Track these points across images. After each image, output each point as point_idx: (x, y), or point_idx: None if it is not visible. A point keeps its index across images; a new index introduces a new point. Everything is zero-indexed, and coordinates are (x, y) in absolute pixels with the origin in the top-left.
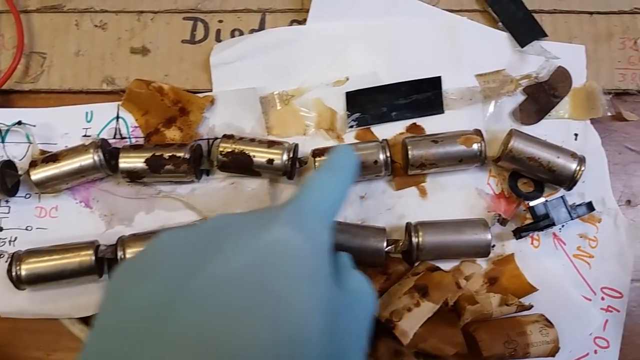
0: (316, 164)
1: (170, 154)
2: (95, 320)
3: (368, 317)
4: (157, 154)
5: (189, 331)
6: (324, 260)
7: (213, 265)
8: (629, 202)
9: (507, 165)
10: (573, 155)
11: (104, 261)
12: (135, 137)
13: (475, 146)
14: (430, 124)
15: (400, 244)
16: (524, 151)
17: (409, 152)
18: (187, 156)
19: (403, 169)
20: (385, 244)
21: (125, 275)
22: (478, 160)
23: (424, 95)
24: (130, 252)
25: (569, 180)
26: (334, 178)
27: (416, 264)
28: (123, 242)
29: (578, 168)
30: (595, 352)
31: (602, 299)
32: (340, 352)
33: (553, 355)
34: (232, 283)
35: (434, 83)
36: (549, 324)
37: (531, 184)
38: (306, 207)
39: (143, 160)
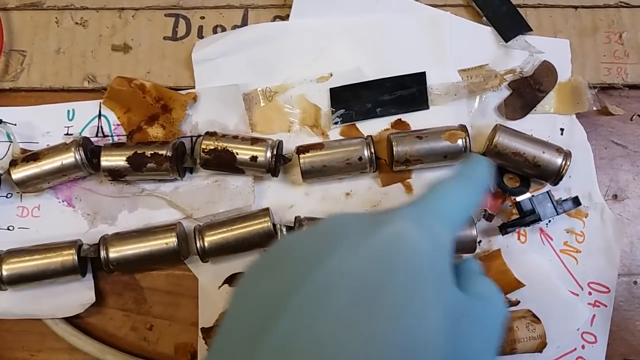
0: (301, 160)
1: (152, 152)
2: (227, 311)
3: (499, 324)
4: (139, 152)
5: (305, 323)
6: (445, 261)
7: (331, 259)
8: (615, 196)
9: (493, 161)
10: (559, 150)
11: (87, 260)
12: (118, 135)
13: (460, 142)
14: (415, 120)
15: None
16: (509, 146)
17: (394, 148)
18: (169, 154)
19: (388, 165)
20: None
21: (251, 272)
22: (463, 156)
23: (409, 91)
24: (113, 250)
25: (554, 175)
26: (463, 187)
27: None
28: (106, 241)
29: (564, 163)
30: (583, 347)
31: (590, 293)
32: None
33: (540, 351)
34: (350, 277)
35: (419, 79)
36: (536, 319)
37: (517, 179)
38: (428, 208)
39: (125, 158)
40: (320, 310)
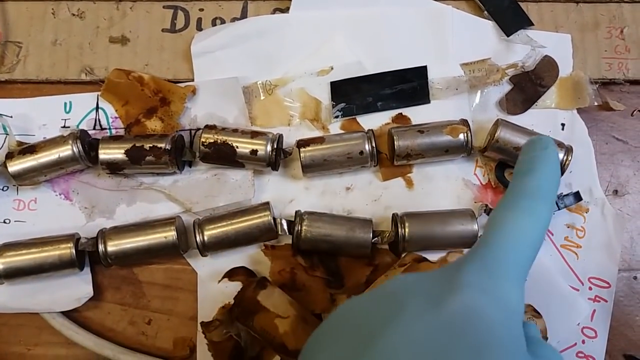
0: (301, 154)
1: (151, 145)
2: None
3: None
4: (137, 144)
5: None
6: (518, 326)
7: (396, 326)
8: (615, 192)
9: (494, 155)
10: (560, 145)
11: (85, 254)
12: (116, 128)
13: (461, 136)
14: (417, 114)
15: (387, 235)
16: (510, 141)
17: (395, 143)
18: (168, 147)
19: (389, 159)
20: (371, 235)
21: (316, 337)
22: (464, 150)
23: (410, 85)
24: (111, 244)
25: None
26: (531, 216)
27: (403, 255)
28: (104, 234)
29: (565, 158)
30: (583, 342)
31: (590, 289)
32: None
33: None
34: (417, 345)
35: (420, 73)
36: (537, 314)
37: None
38: (495, 265)
39: (123, 151)
40: None
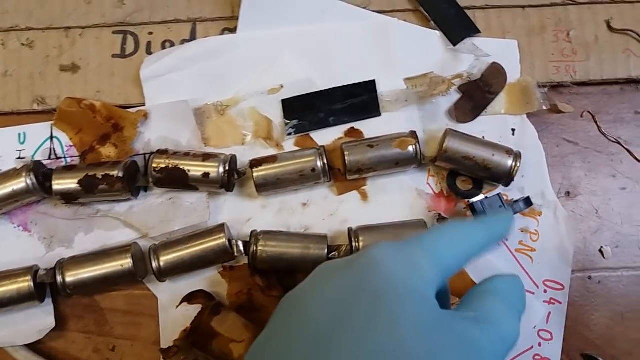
0: (254, 174)
1: (103, 174)
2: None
3: (490, 351)
4: (90, 174)
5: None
6: (423, 284)
7: (309, 292)
8: (568, 193)
9: (445, 165)
10: (508, 151)
11: (45, 286)
12: (71, 157)
13: (410, 149)
14: (369, 128)
15: (343, 249)
16: (459, 151)
17: (346, 158)
18: (120, 174)
19: (342, 174)
20: (326, 251)
21: (289, 301)
22: (414, 162)
23: (360, 99)
24: (69, 275)
25: (505, 177)
26: (468, 231)
27: None
28: (62, 265)
29: (514, 164)
30: (540, 344)
31: (545, 291)
32: None
33: None
34: (324, 307)
35: (369, 86)
36: None
37: (470, 182)
38: (418, 244)
39: (76, 181)
40: (295, 339)
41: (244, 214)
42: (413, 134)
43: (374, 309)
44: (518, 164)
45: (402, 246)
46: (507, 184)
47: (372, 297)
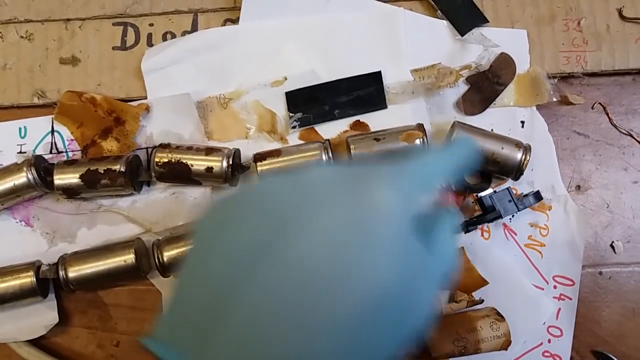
0: (258, 169)
1: (105, 168)
2: (185, 270)
3: (443, 278)
4: (92, 168)
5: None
6: (407, 217)
7: (311, 225)
8: (578, 187)
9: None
10: (518, 144)
11: (48, 281)
12: (72, 151)
13: (417, 142)
14: (375, 120)
15: None
16: None
17: (352, 152)
18: (122, 169)
19: None
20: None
21: (219, 211)
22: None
23: (366, 91)
24: (72, 270)
25: (515, 171)
26: (446, 157)
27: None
28: (64, 260)
29: (523, 157)
30: (549, 341)
31: (555, 287)
32: (410, 305)
33: (505, 349)
34: (330, 245)
35: (375, 78)
36: (500, 317)
37: (479, 176)
38: (409, 176)
39: (78, 176)
40: (297, 271)
41: None
42: (420, 127)
43: (365, 245)
44: (528, 157)
45: (401, 182)
46: (516, 178)
47: (365, 239)
